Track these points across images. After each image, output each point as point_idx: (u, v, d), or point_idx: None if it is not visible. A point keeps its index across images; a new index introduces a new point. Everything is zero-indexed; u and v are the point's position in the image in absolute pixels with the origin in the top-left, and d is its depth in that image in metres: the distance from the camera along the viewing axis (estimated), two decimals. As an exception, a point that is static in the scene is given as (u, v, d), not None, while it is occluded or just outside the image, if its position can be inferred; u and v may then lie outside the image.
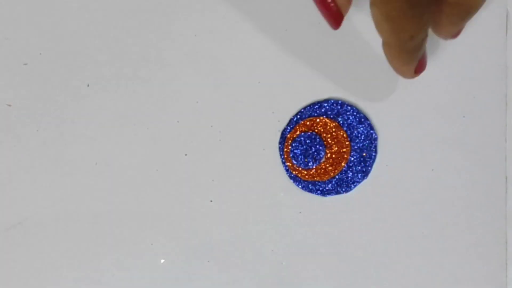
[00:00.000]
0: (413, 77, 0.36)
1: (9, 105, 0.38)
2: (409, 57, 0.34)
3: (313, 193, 0.39)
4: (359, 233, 0.40)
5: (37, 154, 0.38)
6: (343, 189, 0.39)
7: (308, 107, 0.39)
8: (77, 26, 0.39)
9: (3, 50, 0.39)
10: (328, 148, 0.39)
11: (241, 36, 0.40)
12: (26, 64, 0.39)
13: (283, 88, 0.40)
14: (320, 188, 0.39)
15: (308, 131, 0.39)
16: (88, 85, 0.39)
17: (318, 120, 0.39)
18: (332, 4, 0.35)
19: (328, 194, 0.39)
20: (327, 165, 0.39)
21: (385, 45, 0.34)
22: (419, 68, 0.35)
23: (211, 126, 0.39)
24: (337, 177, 0.39)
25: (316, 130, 0.39)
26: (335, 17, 0.36)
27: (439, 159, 0.40)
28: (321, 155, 0.39)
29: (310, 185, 0.39)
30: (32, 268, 0.38)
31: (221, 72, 0.39)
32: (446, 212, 0.40)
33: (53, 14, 0.39)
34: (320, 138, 0.39)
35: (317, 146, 0.39)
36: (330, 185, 0.39)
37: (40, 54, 0.39)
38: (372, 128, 0.39)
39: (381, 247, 0.40)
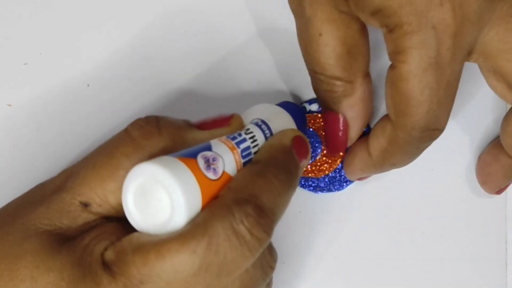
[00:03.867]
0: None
1: (9, 105, 0.38)
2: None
3: (305, 188, 0.39)
4: (359, 233, 0.40)
5: (37, 154, 0.38)
6: (336, 187, 0.39)
7: (308, 103, 0.39)
8: (77, 26, 0.39)
9: (3, 50, 0.39)
10: (324, 145, 0.39)
11: (241, 36, 0.39)
12: (26, 64, 0.39)
13: (283, 88, 0.40)
14: (313, 184, 0.39)
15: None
16: (88, 85, 0.39)
17: (316, 117, 0.39)
18: (341, 133, 0.36)
19: (320, 191, 0.39)
20: (322, 162, 0.39)
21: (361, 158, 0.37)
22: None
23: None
24: (331, 174, 0.39)
25: (313, 127, 0.39)
26: (339, 147, 0.37)
27: (439, 159, 0.40)
28: (317, 152, 0.39)
29: (302, 180, 0.39)
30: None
31: (221, 72, 0.39)
32: (446, 212, 0.40)
33: (53, 14, 0.39)
34: (317, 135, 0.39)
35: (314, 143, 0.39)
36: (323, 182, 0.39)
37: (40, 54, 0.39)
38: (369, 127, 0.39)
39: (381, 247, 0.40)
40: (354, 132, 0.36)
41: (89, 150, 0.38)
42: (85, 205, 0.29)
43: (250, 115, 0.33)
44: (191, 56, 0.39)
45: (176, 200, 0.27)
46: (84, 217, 0.29)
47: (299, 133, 0.33)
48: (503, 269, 0.40)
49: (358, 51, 0.34)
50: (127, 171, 0.28)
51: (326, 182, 0.39)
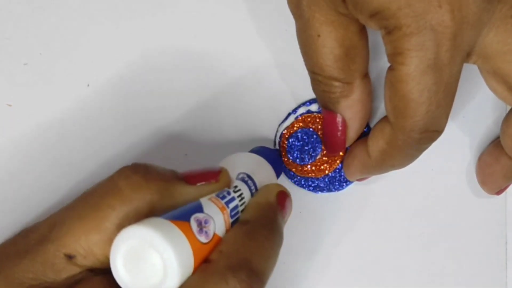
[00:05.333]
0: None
1: (9, 105, 0.38)
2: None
3: (304, 188, 0.39)
4: (359, 233, 0.40)
5: (37, 154, 0.38)
6: (335, 187, 0.39)
7: (308, 103, 0.39)
8: (77, 26, 0.39)
9: (3, 50, 0.39)
10: (324, 145, 0.39)
11: (241, 36, 0.39)
12: (26, 64, 0.39)
13: (283, 88, 0.40)
14: (313, 184, 0.39)
15: (305, 127, 0.39)
16: (88, 85, 0.39)
17: (316, 117, 0.39)
18: (339, 133, 0.36)
19: (320, 191, 0.39)
20: (322, 162, 0.39)
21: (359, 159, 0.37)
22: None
23: (211, 126, 0.39)
24: (330, 174, 0.39)
25: (313, 127, 0.39)
26: (338, 147, 0.37)
27: (439, 159, 0.40)
28: (317, 152, 0.39)
29: (302, 181, 0.39)
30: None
31: (221, 72, 0.39)
32: (446, 212, 0.40)
33: (53, 14, 0.39)
34: (317, 135, 0.39)
35: (314, 143, 0.39)
36: (323, 182, 0.39)
37: (40, 54, 0.39)
38: (369, 127, 0.39)
39: (381, 247, 0.40)
40: (353, 132, 0.36)
41: (89, 150, 0.38)
42: (70, 257, 0.28)
43: (233, 166, 0.33)
44: (192, 57, 0.39)
45: (170, 265, 0.26)
46: (68, 270, 0.28)
47: (282, 187, 0.34)
48: (503, 269, 0.40)
49: (356, 53, 0.33)
50: (112, 223, 0.28)
51: (326, 182, 0.39)
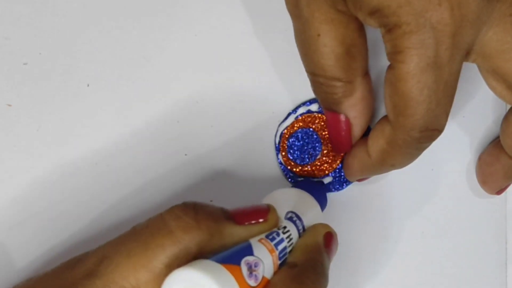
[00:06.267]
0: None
1: (9, 105, 0.38)
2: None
3: None
4: (359, 233, 0.40)
5: (37, 154, 0.38)
6: (336, 187, 0.39)
7: (308, 103, 0.39)
8: (77, 26, 0.39)
9: (3, 50, 0.39)
10: (324, 145, 0.39)
11: (241, 36, 0.39)
12: (26, 64, 0.39)
13: (283, 89, 0.40)
14: None
15: (305, 127, 0.39)
16: (88, 85, 0.39)
17: (316, 117, 0.39)
18: (344, 133, 0.36)
19: None
20: (322, 162, 0.39)
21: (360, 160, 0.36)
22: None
23: (211, 126, 0.39)
24: (330, 175, 0.39)
25: (313, 127, 0.39)
26: (344, 147, 0.37)
27: (438, 159, 0.40)
28: (317, 152, 0.39)
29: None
30: (31, 269, 0.38)
31: (221, 72, 0.39)
32: (446, 212, 0.40)
33: (53, 14, 0.39)
34: (317, 134, 0.39)
35: (314, 143, 0.39)
36: None
37: (40, 54, 0.39)
38: (369, 127, 0.39)
39: (381, 247, 0.40)
40: (357, 130, 0.36)
41: (89, 150, 0.38)
42: None
43: (281, 204, 0.33)
44: (192, 57, 0.39)
45: None
46: None
47: (329, 228, 0.34)
48: (503, 269, 0.40)
49: (356, 51, 0.33)
50: (162, 262, 0.28)
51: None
